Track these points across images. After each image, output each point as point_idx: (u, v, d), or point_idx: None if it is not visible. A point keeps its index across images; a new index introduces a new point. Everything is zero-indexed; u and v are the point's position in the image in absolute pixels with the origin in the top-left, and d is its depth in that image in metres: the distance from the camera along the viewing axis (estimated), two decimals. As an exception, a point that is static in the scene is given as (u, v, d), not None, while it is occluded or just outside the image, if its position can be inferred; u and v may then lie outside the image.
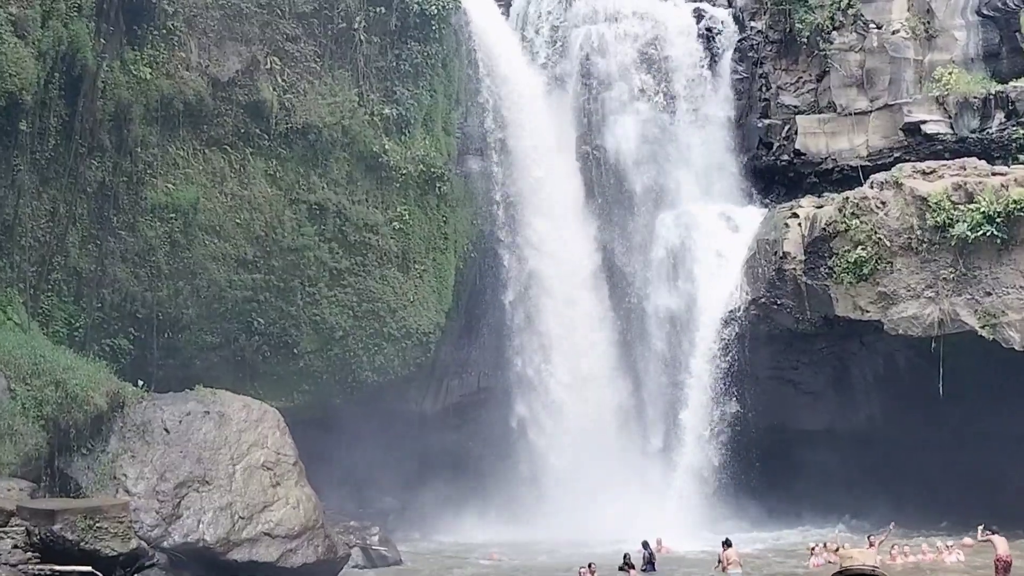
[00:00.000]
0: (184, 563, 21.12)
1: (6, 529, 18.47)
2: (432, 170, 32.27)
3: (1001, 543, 22.47)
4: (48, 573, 17.80)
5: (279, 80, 29.41)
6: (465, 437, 33.91)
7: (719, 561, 24.24)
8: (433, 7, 31.93)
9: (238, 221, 28.77)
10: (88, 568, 18.11)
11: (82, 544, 18.40)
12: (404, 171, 31.56)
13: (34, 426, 21.08)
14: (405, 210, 31.72)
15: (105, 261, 26.45)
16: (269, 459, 23.85)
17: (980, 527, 23.59)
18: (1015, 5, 31.34)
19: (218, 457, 23.07)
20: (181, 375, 27.21)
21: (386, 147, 31.22)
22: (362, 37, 30.76)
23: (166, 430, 23.08)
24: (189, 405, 23.90)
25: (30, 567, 17.77)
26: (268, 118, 29.14)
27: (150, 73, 26.91)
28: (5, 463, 20.16)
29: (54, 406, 21.44)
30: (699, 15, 37.79)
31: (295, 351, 30.09)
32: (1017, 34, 31.54)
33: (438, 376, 34.51)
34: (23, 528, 18.60)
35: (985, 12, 32.15)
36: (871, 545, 23.85)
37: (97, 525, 18.82)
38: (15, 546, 18.23)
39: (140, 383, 24.87)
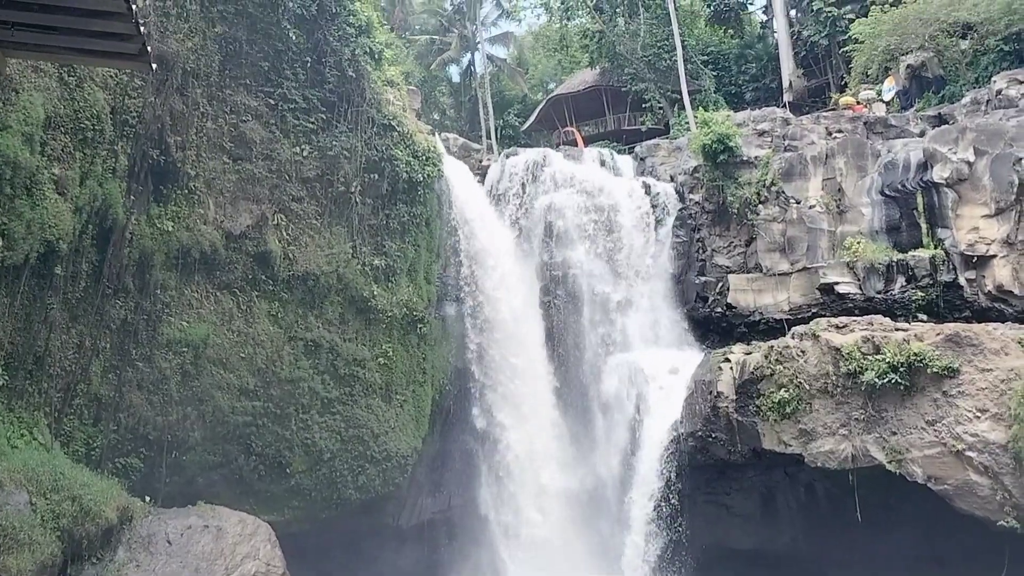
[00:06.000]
0: (179, 666, 20.38)
1: (19, 633, 17.85)
2: (414, 313, 32.43)
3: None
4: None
5: (284, 234, 29.67)
6: (437, 550, 33.31)
7: None
8: (419, 175, 32.55)
9: (242, 355, 28.62)
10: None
11: (87, 648, 17.78)
12: (390, 314, 31.69)
13: (51, 537, 20.52)
14: (389, 347, 31.73)
15: (123, 389, 26.14)
16: (260, 570, 23.32)
17: None
18: (912, 187, 32.21)
19: (214, 568, 22.54)
20: (185, 491, 26.71)
21: (375, 292, 31.38)
22: (357, 199, 31.20)
23: (169, 542, 22.55)
24: (191, 519, 23.43)
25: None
26: (273, 266, 29.29)
27: (172, 226, 27.09)
28: (23, 570, 19.51)
29: (70, 519, 20.94)
30: (646, 187, 38.73)
31: (287, 471, 29.59)
32: (914, 211, 32.33)
33: (414, 495, 34.03)
34: (34, 632, 17.98)
35: (887, 193, 33.03)
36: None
37: (101, 630, 18.22)
38: (26, 649, 17.60)
39: (147, 498, 24.40)
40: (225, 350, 28.25)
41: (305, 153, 30.25)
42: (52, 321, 23.82)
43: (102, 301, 25.38)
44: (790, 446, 30.08)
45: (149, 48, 8.33)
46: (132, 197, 25.83)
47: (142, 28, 7.98)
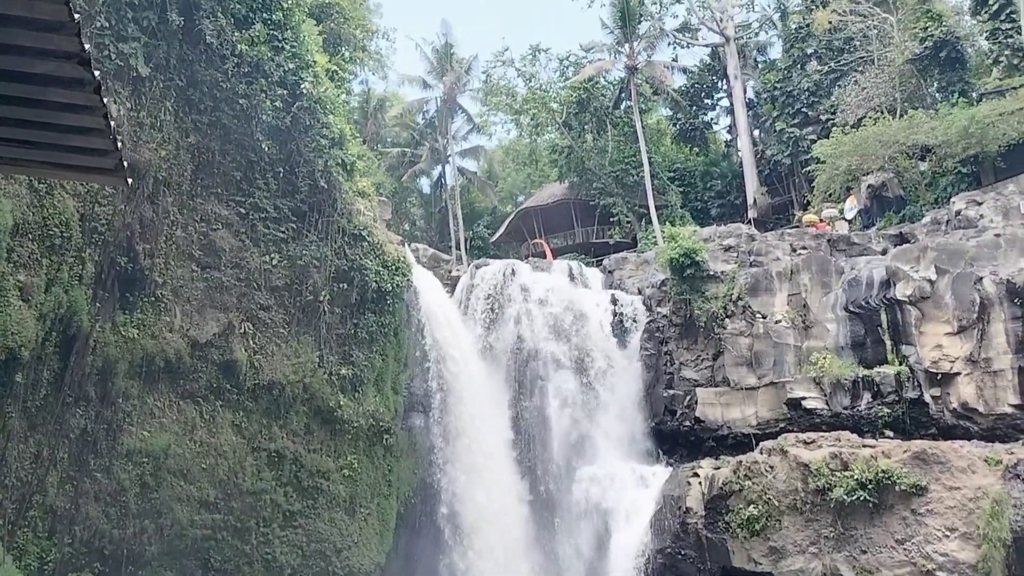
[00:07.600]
0: None
1: None
2: (380, 424, 32.03)
3: None
4: None
5: (251, 343, 29.39)
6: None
7: None
8: (388, 285, 32.54)
9: (204, 466, 27.99)
10: None
11: None
12: (355, 424, 31.28)
13: (-4, 657, 19.66)
14: (354, 459, 31.23)
15: (80, 500, 25.37)
16: None
17: None
18: (876, 304, 32.59)
19: None
20: (139, 608, 25.79)
21: (341, 403, 31.02)
22: (326, 308, 31.08)
23: (120, 663, 21.62)
24: (144, 639, 22.52)
25: None
26: (238, 375, 28.92)
27: (137, 333, 26.73)
28: None
29: (17, 638, 20.09)
30: (614, 300, 38.95)
31: (246, 587, 28.70)
32: (879, 328, 32.62)
33: (376, 612, 33.05)
34: None
35: (851, 309, 33.39)
36: None
37: None
38: None
39: (100, 616, 23.50)
40: (186, 461, 27.63)
41: (274, 262, 30.21)
42: (10, 430, 23.20)
43: (62, 410, 24.81)
44: (760, 564, 29.65)
45: (125, 164, 8.30)
46: (98, 304, 25.53)
47: (119, 144, 7.96)
